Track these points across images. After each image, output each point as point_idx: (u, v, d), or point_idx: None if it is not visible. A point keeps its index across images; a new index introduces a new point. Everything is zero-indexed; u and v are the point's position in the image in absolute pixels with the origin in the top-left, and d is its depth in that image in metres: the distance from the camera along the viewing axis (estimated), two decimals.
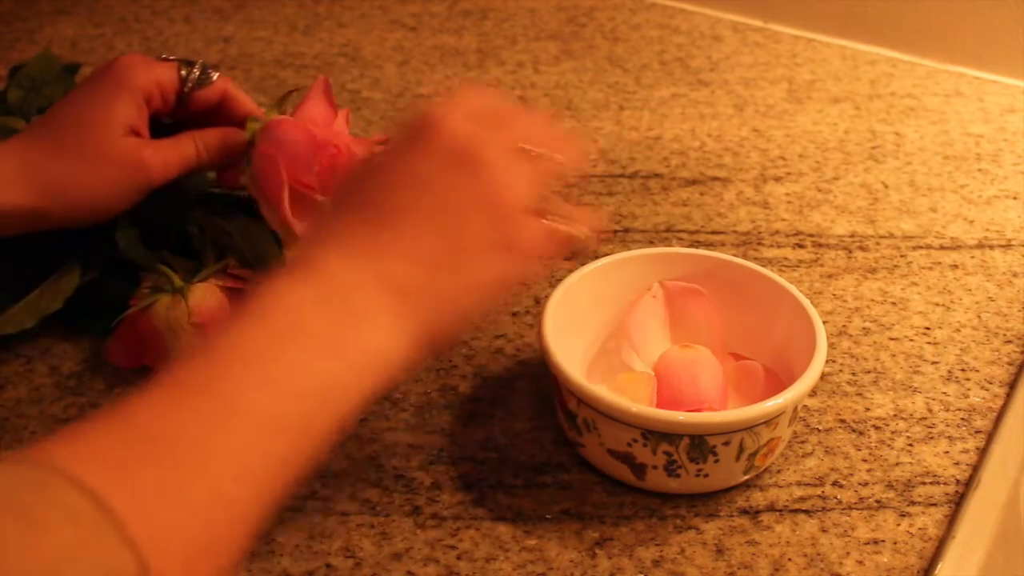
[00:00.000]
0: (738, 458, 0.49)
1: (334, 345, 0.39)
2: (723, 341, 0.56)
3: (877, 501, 0.52)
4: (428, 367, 0.59)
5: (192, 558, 0.32)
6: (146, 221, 0.59)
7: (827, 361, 0.57)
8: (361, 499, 0.51)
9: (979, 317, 0.64)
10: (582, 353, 0.57)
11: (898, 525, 0.50)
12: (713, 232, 0.71)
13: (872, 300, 0.65)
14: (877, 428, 0.56)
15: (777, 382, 0.52)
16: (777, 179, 0.77)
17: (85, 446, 0.33)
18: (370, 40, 0.98)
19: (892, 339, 0.62)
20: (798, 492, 0.52)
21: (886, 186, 0.76)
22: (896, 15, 0.95)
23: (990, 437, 0.55)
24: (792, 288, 0.55)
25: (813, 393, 0.58)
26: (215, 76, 0.60)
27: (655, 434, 0.48)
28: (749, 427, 0.48)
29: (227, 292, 0.57)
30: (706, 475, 0.50)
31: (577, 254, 0.50)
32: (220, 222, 0.60)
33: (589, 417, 0.50)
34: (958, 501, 0.52)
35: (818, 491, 0.52)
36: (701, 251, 0.59)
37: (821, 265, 0.68)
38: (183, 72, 0.59)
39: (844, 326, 0.63)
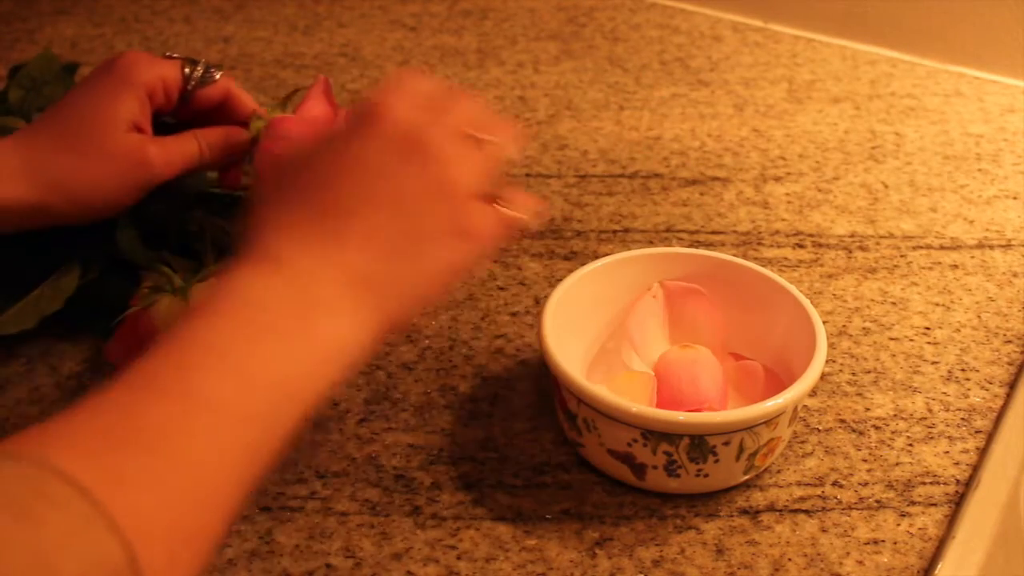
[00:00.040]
0: (738, 458, 0.49)
1: (297, 336, 0.40)
2: (723, 341, 0.56)
3: (877, 501, 0.52)
4: (428, 367, 0.60)
5: (175, 546, 0.33)
6: (146, 221, 0.59)
7: (827, 361, 0.57)
8: (361, 499, 0.51)
9: (979, 317, 0.64)
10: (582, 353, 0.57)
11: (898, 525, 0.50)
12: (713, 232, 0.71)
13: (872, 300, 0.65)
14: (877, 428, 0.56)
15: (777, 382, 0.52)
16: (777, 179, 0.77)
17: (64, 438, 0.33)
18: (370, 40, 0.98)
19: (892, 339, 0.62)
20: (798, 492, 0.52)
21: (886, 186, 0.76)
22: (896, 15, 0.95)
23: (990, 437, 0.56)
24: (792, 288, 0.55)
25: (813, 393, 0.58)
26: (218, 75, 0.60)
27: (655, 434, 0.48)
28: (749, 427, 0.48)
29: None
30: (706, 475, 0.50)
31: (522, 236, 0.50)
32: (220, 222, 0.60)
33: (589, 417, 0.50)
34: (958, 501, 0.52)
35: (818, 491, 0.52)
36: (701, 251, 0.59)
37: (821, 265, 0.68)
38: (186, 70, 0.59)
39: (844, 326, 0.63)
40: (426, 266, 0.44)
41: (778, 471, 0.53)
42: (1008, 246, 0.70)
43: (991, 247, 0.70)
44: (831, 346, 0.61)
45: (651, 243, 0.70)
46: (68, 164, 0.55)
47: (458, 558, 0.48)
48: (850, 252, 0.69)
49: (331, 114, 0.62)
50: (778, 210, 0.73)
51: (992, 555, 0.50)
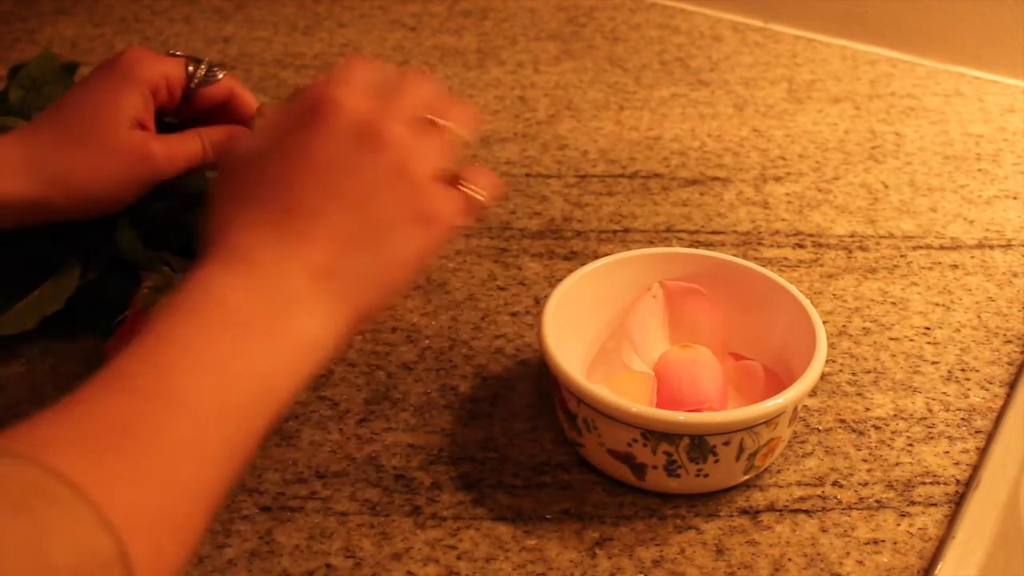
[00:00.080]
0: (738, 458, 0.49)
1: (269, 333, 0.40)
2: (723, 341, 0.56)
3: (877, 501, 0.52)
4: (428, 367, 0.60)
5: (160, 538, 0.34)
6: (146, 221, 0.59)
7: (827, 361, 0.57)
8: (361, 499, 0.51)
9: (979, 317, 0.64)
10: (582, 353, 0.57)
11: (898, 525, 0.50)
12: (713, 232, 0.71)
13: (872, 300, 0.65)
14: (877, 428, 0.56)
15: (777, 382, 0.52)
16: (777, 179, 0.77)
17: (50, 436, 0.34)
18: (370, 40, 0.98)
19: (892, 339, 0.62)
20: (798, 492, 0.52)
21: (886, 186, 0.76)
22: (896, 15, 0.95)
23: (990, 437, 0.56)
24: (792, 288, 0.55)
25: (813, 393, 0.58)
26: (221, 75, 0.60)
27: (655, 434, 0.48)
28: (749, 427, 0.48)
29: None
30: (706, 475, 0.50)
31: (481, 217, 0.50)
32: None
33: (589, 417, 0.50)
34: (958, 501, 0.52)
35: (818, 491, 0.52)
36: (701, 251, 0.59)
37: (821, 265, 0.68)
38: (190, 68, 0.59)
39: (844, 326, 0.63)
40: (392, 255, 0.45)
41: (778, 471, 0.53)
42: (1008, 246, 0.70)
43: (991, 247, 0.70)
44: (831, 346, 0.61)
45: (651, 243, 0.70)
46: (70, 159, 0.55)
47: (458, 558, 0.48)
48: (850, 252, 0.69)
49: None
50: (778, 210, 0.73)
51: (992, 555, 0.50)
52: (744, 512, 0.51)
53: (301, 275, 0.42)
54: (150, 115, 0.57)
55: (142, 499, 0.34)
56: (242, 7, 1.04)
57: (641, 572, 0.48)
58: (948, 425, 0.56)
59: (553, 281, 0.65)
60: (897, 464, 0.54)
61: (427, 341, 0.62)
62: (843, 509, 0.51)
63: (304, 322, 0.42)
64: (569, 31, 1.00)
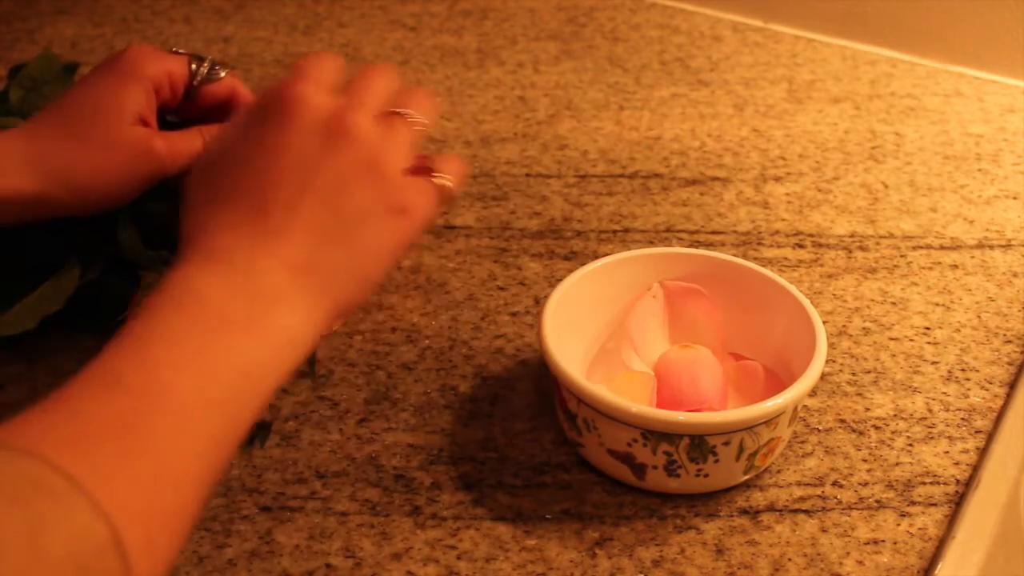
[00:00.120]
0: (738, 458, 0.49)
1: (251, 329, 0.41)
2: (723, 341, 0.56)
3: (877, 501, 0.52)
4: (428, 367, 0.60)
5: (153, 529, 0.34)
6: (146, 220, 0.59)
7: (827, 361, 0.57)
8: (361, 499, 0.51)
9: (979, 317, 0.64)
10: (582, 353, 0.57)
11: (898, 525, 0.50)
12: (713, 232, 0.71)
13: (872, 300, 0.65)
14: (877, 428, 0.56)
15: (777, 382, 0.52)
16: (777, 179, 0.77)
17: (43, 430, 0.34)
18: (370, 40, 0.98)
19: (892, 339, 0.62)
20: (798, 492, 0.52)
21: (886, 186, 0.76)
22: (896, 15, 0.95)
23: (990, 437, 0.56)
24: (792, 288, 0.55)
25: (813, 393, 0.58)
26: (223, 73, 0.60)
27: (655, 434, 0.48)
28: (749, 427, 0.48)
29: None
30: (706, 475, 0.50)
31: (450, 205, 0.51)
32: None
33: (589, 417, 0.50)
34: (958, 501, 0.52)
35: (818, 491, 0.52)
36: (701, 251, 0.59)
37: (821, 265, 0.68)
38: (193, 66, 0.59)
39: (844, 326, 0.63)
40: (367, 247, 0.46)
41: (778, 471, 0.53)
42: (1008, 246, 0.70)
43: (991, 247, 0.70)
44: (831, 346, 0.61)
45: (651, 243, 0.70)
46: (72, 154, 0.55)
47: (458, 558, 0.48)
48: (850, 252, 0.69)
49: None
50: (778, 210, 0.73)
51: (992, 555, 0.50)
52: (744, 512, 0.51)
53: (279, 271, 0.43)
54: (153, 112, 0.57)
55: (134, 491, 0.34)
56: (242, 7, 1.04)
57: (641, 572, 0.48)
58: (948, 425, 0.56)
59: (553, 281, 0.65)
60: (897, 464, 0.54)
61: (427, 341, 0.62)
62: (843, 509, 0.51)
63: (285, 318, 0.42)
64: (569, 31, 1.00)
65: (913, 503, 0.52)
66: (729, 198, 0.75)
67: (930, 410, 0.57)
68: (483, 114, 0.85)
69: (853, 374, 0.59)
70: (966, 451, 0.55)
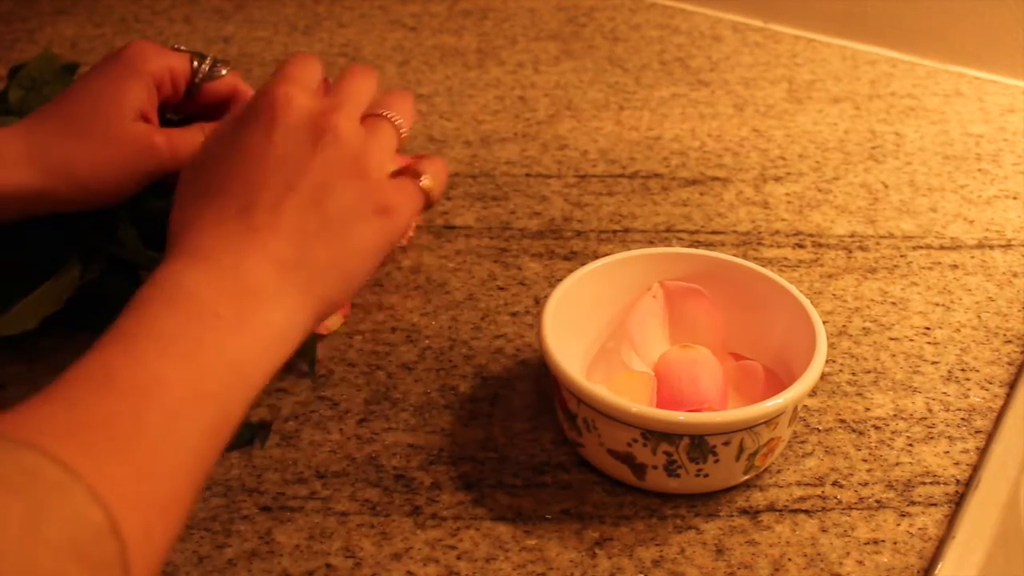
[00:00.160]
0: (738, 458, 0.49)
1: (237, 323, 0.41)
2: (723, 341, 0.56)
3: (877, 501, 0.52)
4: (428, 367, 0.60)
5: (150, 518, 0.35)
6: (147, 218, 0.59)
7: (827, 361, 0.57)
8: (361, 499, 0.51)
9: (979, 317, 0.64)
10: (582, 353, 0.57)
11: (898, 525, 0.50)
12: (713, 232, 0.71)
13: (872, 300, 0.65)
14: (877, 428, 0.56)
15: (777, 382, 0.52)
16: (777, 179, 0.77)
17: (36, 421, 0.35)
18: (370, 40, 0.98)
19: (892, 339, 0.62)
20: (798, 492, 0.52)
21: (886, 186, 0.76)
22: (896, 15, 0.95)
23: (990, 437, 0.56)
24: (792, 288, 0.55)
25: (813, 393, 0.58)
26: (224, 71, 0.60)
27: (655, 434, 0.48)
28: (749, 427, 0.48)
29: None
30: (706, 475, 0.50)
31: (434, 204, 0.53)
32: None
33: (589, 417, 0.50)
34: (958, 501, 0.52)
35: (818, 491, 0.52)
36: (701, 251, 0.59)
37: (821, 265, 0.68)
38: (194, 63, 0.59)
39: (844, 326, 0.63)
40: (351, 246, 0.46)
41: (778, 471, 0.53)
42: (1008, 246, 0.70)
43: (991, 247, 0.70)
44: (831, 346, 0.61)
45: (651, 243, 0.70)
46: (73, 149, 0.55)
47: (458, 558, 0.48)
48: (850, 252, 0.69)
49: None
50: (778, 210, 0.73)
51: (992, 555, 0.50)
52: (744, 512, 0.51)
53: (265, 267, 0.43)
54: (154, 108, 0.58)
55: (129, 479, 0.35)
56: (242, 7, 1.04)
57: (641, 572, 0.48)
58: (948, 425, 0.56)
59: (553, 281, 0.65)
60: (897, 464, 0.54)
61: (427, 341, 0.62)
62: (843, 509, 0.51)
63: (273, 314, 0.43)
64: (569, 31, 1.00)
65: (913, 503, 0.52)
66: (729, 198, 0.75)
67: (930, 410, 0.57)
68: (483, 114, 0.85)
69: (853, 374, 0.59)
70: (966, 451, 0.55)
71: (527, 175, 0.77)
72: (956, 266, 0.68)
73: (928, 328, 0.63)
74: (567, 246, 0.70)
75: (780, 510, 0.51)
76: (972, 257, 0.69)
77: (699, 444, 0.48)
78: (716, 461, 0.49)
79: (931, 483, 0.53)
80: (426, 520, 0.50)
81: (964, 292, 0.66)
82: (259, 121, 0.47)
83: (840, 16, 0.98)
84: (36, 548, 0.30)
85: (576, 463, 0.54)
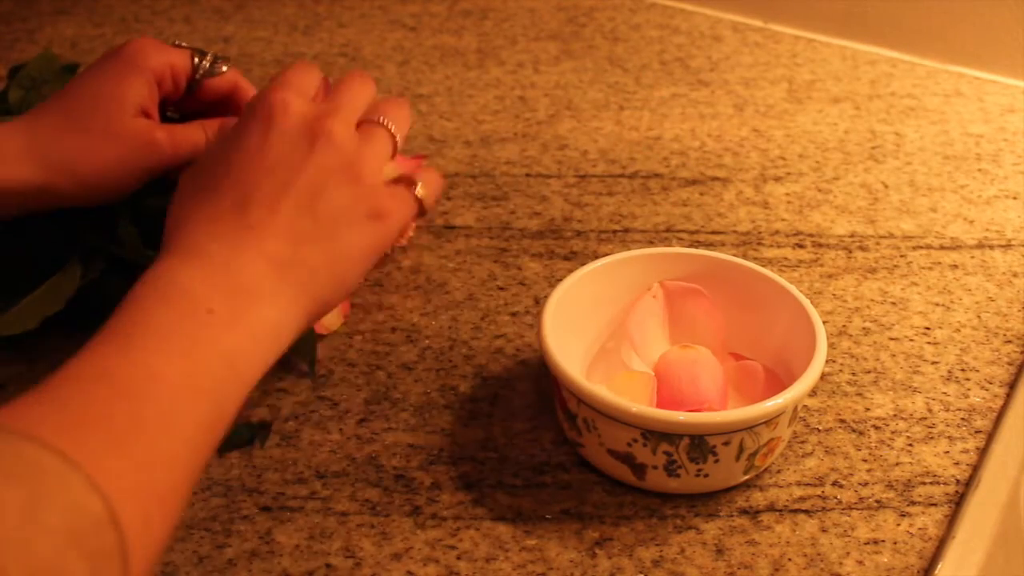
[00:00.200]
0: (738, 458, 0.50)
1: (231, 319, 0.42)
2: (723, 341, 0.56)
3: (877, 501, 0.52)
4: (428, 367, 0.60)
5: (148, 508, 0.35)
6: (147, 217, 0.59)
7: (827, 361, 0.57)
8: (361, 499, 0.51)
9: (979, 317, 0.64)
10: (582, 353, 0.57)
11: (898, 525, 0.50)
12: (713, 232, 0.71)
13: (872, 300, 0.65)
14: (877, 428, 0.56)
15: (777, 382, 0.52)
16: (777, 179, 0.77)
17: (34, 414, 0.35)
18: (370, 40, 0.98)
19: (892, 339, 0.62)
20: (798, 492, 0.52)
21: (886, 186, 0.76)
22: (896, 15, 0.95)
23: (990, 437, 0.56)
24: (792, 288, 0.55)
25: (813, 393, 0.58)
26: (225, 68, 0.60)
27: (655, 434, 0.48)
28: (749, 427, 0.48)
29: None
30: (706, 475, 0.50)
31: (426, 213, 0.54)
32: None
33: (589, 417, 0.50)
34: (958, 501, 0.52)
35: (818, 491, 0.52)
36: (701, 251, 0.59)
37: (821, 265, 0.68)
38: (195, 60, 0.60)
39: (844, 326, 0.63)
40: (344, 249, 0.47)
41: (778, 471, 0.53)
42: (1008, 246, 0.70)
43: (991, 247, 0.70)
44: (831, 346, 0.61)
45: (651, 243, 0.70)
46: (74, 144, 0.55)
47: (458, 558, 0.48)
48: (850, 252, 0.69)
49: None
50: (778, 210, 0.73)
51: (992, 555, 0.50)
52: (744, 512, 0.51)
53: (260, 264, 0.44)
54: (154, 104, 0.58)
55: (127, 471, 0.35)
56: (242, 7, 1.04)
57: (641, 572, 0.48)
58: (948, 425, 0.56)
59: (553, 281, 0.65)
60: (897, 464, 0.54)
61: (427, 341, 0.62)
62: (843, 509, 0.51)
63: (266, 311, 0.43)
64: (569, 31, 1.00)
65: (913, 503, 0.52)
66: (729, 198, 0.75)
67: (930, 410, 0.57)
68: (483, 114, 0.85)
69: (853, 374, 0.59)
70: (966, 451, 0.55)
71: (527, 175, 0.77)
72: (956, 266, 0.68)
73: (928, 328, 0.63)
74: (567, 246, 0.70)
75: (780, 510, 0.51)
76: (972, 257, 0.69)
77: (699, 444, 0.48)
78: (716, 461, 0.49)
79: (931, 483, 0.53)
80: (426, 520, 0.50)
81: (964, 292, 0.66)
82: (256, 124, 0.48)
83: (840, 16, 0.98)
84: (35, 537, 0.31)
85: (576, 463, 0.54)
